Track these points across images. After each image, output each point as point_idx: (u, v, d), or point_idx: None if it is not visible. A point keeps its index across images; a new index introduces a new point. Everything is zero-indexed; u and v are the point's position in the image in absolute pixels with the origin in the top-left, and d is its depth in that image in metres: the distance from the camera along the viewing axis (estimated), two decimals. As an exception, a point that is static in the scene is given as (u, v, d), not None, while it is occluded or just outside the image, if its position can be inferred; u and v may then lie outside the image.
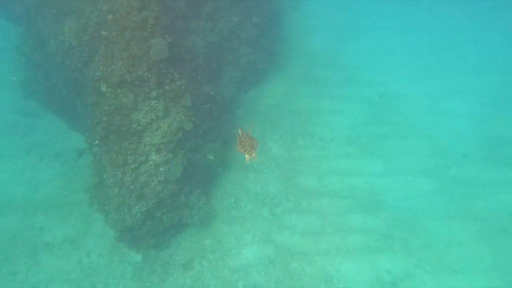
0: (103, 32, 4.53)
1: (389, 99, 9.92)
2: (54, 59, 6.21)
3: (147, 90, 4.64)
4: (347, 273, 5.34)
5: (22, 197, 5.87)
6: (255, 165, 7.09)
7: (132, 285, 4.81)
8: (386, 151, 8.01)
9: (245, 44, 7.36)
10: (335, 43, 11.60)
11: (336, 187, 7.02)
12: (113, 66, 4.46)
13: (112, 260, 5.08)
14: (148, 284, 4.84)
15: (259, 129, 8.06)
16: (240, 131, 4.31)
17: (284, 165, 7.29)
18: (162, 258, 5.19)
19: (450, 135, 8.42)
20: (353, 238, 5.95)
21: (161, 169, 4.81)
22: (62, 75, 6.52)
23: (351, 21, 12.15)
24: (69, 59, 5.65)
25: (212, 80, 6.69)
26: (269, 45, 8.31)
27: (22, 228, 5.33)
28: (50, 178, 6.36)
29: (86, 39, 5.03)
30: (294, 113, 8.79)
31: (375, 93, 10.06)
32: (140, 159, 4.69)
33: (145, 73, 4.51)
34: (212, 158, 5.94)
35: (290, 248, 5.64)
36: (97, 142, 4.80)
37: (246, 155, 4.18)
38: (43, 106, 7.88)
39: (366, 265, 5.48)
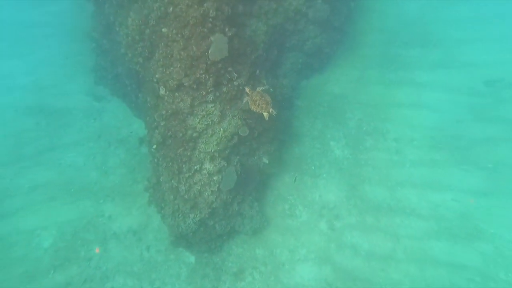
0: (163, 30, 4.13)
1: (500, 88, 7.52)
2: (119, 48, 6.18)
3: (204, 93, 4.20)
4: (423, 315, 4.50)
5: (95, 183, 6.40)
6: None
7: (187, 287, 4.90)
8: (492, 160, 6.19)
9: (313, 25, 6.16)
10: (428, 11, 9.08)
11: (412, 203, 5.83)
12: (171, 68, 4.10)
13: (168, 258, 5.24)
14: (200, 289, 4.88)
15: (320, 124, 7.04)
16: (247, 89, 4.24)
17: (348, 170, 6.29)
18: (214, 262, 5.14)
19: None
20: (434, 272, 4.92)
21: (214, 178, 4.50)
22: (125, 66, 6.54)
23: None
24: (131, 52, 5.52)
25: (272, 70, 5.87)
26: (341, 23, 6.86)
27: (95, 214, 5.84)
28: (117, 165, 6.77)
29: (147, 33, 4.75)
30: (363, 106, 7.34)
31: (479, 79, 7.71)
32: (195, 167, 4.44)
33: (203, 75, 4.03)
34: (267, 162, 5.39)
35: (352, 272, 4.98)
36: (155, 146, 4.68)
37: (265, 113, 4.17)
38: (110, 91, 8.28)
39: (450, 310, 4.53)
